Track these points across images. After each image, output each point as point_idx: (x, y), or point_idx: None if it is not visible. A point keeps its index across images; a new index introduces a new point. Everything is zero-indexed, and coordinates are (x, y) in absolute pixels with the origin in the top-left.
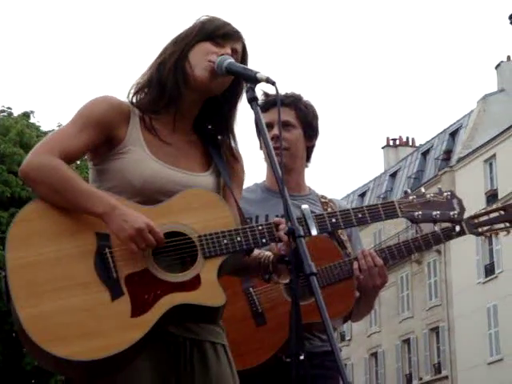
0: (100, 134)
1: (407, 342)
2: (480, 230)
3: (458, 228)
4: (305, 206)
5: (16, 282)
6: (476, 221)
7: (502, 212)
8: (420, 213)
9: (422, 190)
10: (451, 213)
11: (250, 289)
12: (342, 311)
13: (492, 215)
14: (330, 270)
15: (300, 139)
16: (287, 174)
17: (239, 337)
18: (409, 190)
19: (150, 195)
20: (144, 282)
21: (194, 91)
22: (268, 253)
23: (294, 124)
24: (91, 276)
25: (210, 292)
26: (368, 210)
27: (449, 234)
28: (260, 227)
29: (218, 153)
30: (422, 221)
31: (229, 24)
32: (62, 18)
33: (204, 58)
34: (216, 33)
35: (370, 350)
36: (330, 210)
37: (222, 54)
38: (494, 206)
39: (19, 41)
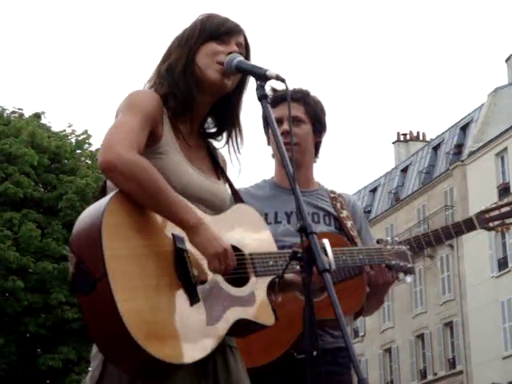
0: (152, 128)
1: (421, 337)
2: (491, 224)
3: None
4: (326, 241)
5: (114, 273)
6: (487, 215)
7: None
8: (397, 261)
9: (388, 238)
10: (408, 265)
11: None
12: (353, 307)
13: (503, 209)
14: (342, 267)
15: (309, 134)
16: (297, 170)
17: (251, 336)
18: (386, 239)
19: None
20: (213, 291)
21: (207, 93)
22: None
23: (304, 119)
24: (174, 278)
25: (265, 311)
26: (366, 253)
27: (459, 230)
28: (299, 255)
29: (217, 157)
30: (395, 269)
31: (228, 19)
32: (72, 19)
33: (212, 60)
34: (218, 31)
35: (383, 345)
36: (339, 204)
37: (230, 52)
38: (505, 201)
39: (29, 42)
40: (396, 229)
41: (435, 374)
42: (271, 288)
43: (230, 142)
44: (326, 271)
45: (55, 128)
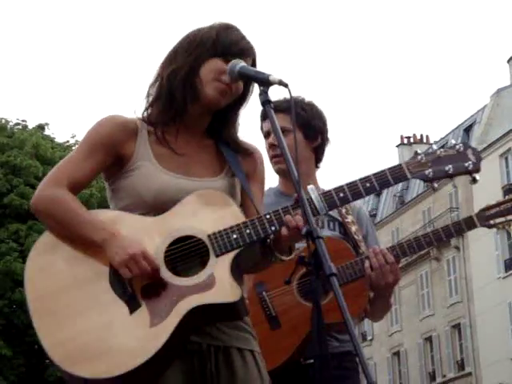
0: (108, 155)
1: (429, 339)
2: (492, 222)
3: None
4: (310, 186)
5: (37, 314)
6: (488, 213)
7: None
8: (431, 170)
9: (434, 146)
10: (466, 164)
11: (264, 293)
12: (355, 311)
13: (504, 206)
14: (343, 270)
15: (299, 142)
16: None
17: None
18: (419, 150)
19: (163, 207)
20: (159, 290)
21: (201, 106)
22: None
23: (290, 129)
24: (108, 294)
25: (225, 289)
26: (375, 178)
27: (460, 228)
28: (268, 216)
29: (231, 154)
30: (434, 178)
31: (244, 38)
32: (75, 30)
33: (215, 77)
34: (230, 50)
35: (392, 349)
36: (343, 210)
37: None
38: (506, 198)
39: (33, 54)
40: (402, 232)
41: (444, 376)
42: (266, 253)
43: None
44: (333, 275)
45: (59, 139)
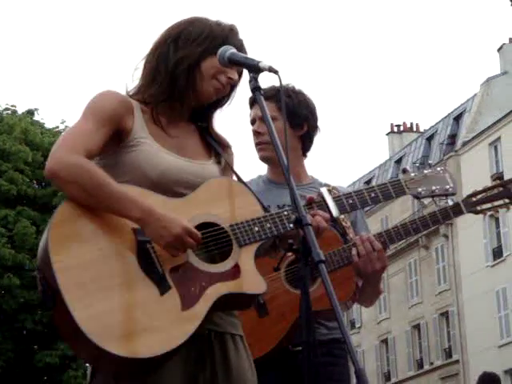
0: (113, 128)
1: (417, 327)
2: (479, 208)
3: (450, 202)
4: (323, 189)
5: (65, 285)
6: (474, 199)
7: (501, 188)
8: (423, 188)
9: (417, 164)
10: (447, 186)
11: None
12: (343, 298)
13: (490, 192)
14: (330, 257)
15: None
16: (277, 167)
17: (243, 330)
18: (407, 168)
19: (166, 187)
20: (187, 274)
21: (195, 98)
22: None
23: (276, 116)
24: (137, 272)
25: (252, 280)
26: (379, 190)
27: (446, 214)
28: (286, 212)
29: (212, 138)
30: (424, 196)
31: (242, 45)
32: (64, 15)
33: (214, 75)
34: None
35: (380, 336)
36: None
37: (230, 78)
38: (492, 183)
39: (22, 39)
40: (391, 220)
41: (431, 364)
42: (273, 250)
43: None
44: (322, 262)
45: (48, 124)
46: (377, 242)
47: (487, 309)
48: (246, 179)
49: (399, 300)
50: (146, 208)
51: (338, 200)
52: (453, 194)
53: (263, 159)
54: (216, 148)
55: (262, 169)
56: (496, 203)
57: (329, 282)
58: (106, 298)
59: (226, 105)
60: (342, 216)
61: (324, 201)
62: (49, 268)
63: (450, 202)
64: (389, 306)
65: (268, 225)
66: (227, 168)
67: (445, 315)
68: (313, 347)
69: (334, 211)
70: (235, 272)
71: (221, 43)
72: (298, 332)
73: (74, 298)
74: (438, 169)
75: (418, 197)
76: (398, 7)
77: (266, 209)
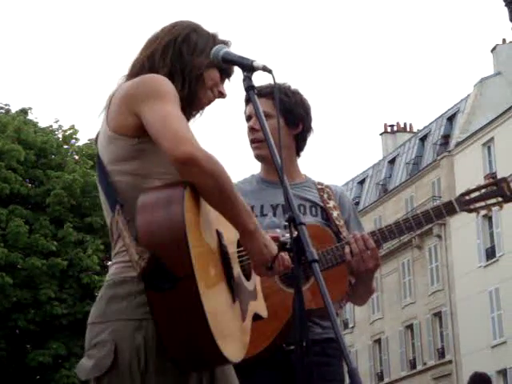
0: None
1: (410, 327)
2: (472, 206)
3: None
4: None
5: (199, 271)
6: (467, 197)
7: (494, 187)
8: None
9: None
10: None
11: None
12: (336, 296)
13: (483, 191)
14: (323, 256)
15: (280, 128)
16: (271, 165)
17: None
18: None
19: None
20: (239, 286)
21: (190, 102)
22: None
23: (272, 114)
24: (223, 275)
25: (263, 303)
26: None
27: (440, 213)
28: (288, 245)
29: None
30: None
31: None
32: (58, 14)
33: (210, 87)
34: (228, 70)
35: (373, 336)
36: (326, 195)
37: (221, 93)
38: (486, 182)
39: (16, 38)
40: (385, 220)
41: (425, 364)
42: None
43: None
44: (315, 261)
45: (42, 123)
46: (370, 240)
47: (480, 309)
48: (239, 178)
49: (392, 300)
50: (256, 223)
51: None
52: None
53: (258, 157)
54: None
55: (255, 168)
56: (489, 202)
57: (322, 282)
58: (214, 295)
59: (198, 116)
60: (336, 214)
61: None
62: (181, 251)
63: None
64: (382, 306)
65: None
66: None
67: (438, 315)
68: (306, 347)
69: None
70: (255, 293)
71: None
72: (292, 331)
73: (203, 287)
74: None
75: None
76: (392, 8)
77: None
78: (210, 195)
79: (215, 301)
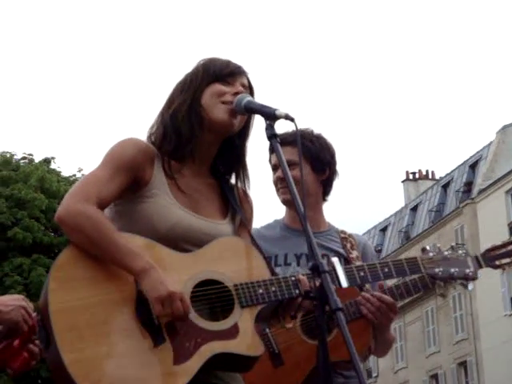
0: (130, 177)
1: (435, 377)
2: (498, 262)
3: (471, 286)
4: (335, 259)
5: (58, 326)
6: (493, 253)
7: None
8: (441, 269)
9: (438, 245)
10: (467, 270)
11: (267, 330)
12: (359, 349)
13: (510, 247)
14: (346, 308)
15: (307, 175)
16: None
17: (258, 380)
18: (427, 247)
19: (173, 242)
20: (184, 329)
21: (211, 132)
22: None
23: (297, 162)
24: (133, 322)
25: (249, 341)
26: (393, 265)
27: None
28: (293, 278)
29: (232, 195)
30: (441, 278)
31: (230, 61)
32: (79, 63)
33: (218, 100)
34: (222, 72)
35: None
36: (349, 245)
37: (236, 92)
38: (511, 239)
39: (39, 88)
40: None
41: None
42: (275, 315)
43: (239, 183)
44: (339, 310)
45: (65, 173)
46: (386, 296)
47: (506, 359)
48: (262, 223)
49: (416, 349)
50: (149, 262)
51: (349, 271)
52: (473, 279)
53: (285, 202)
54: (234, 205)
55: (278, 212)
56: None
57: (346, 330)
58: (98, 344)
59: (247, 138)
60: (355, 255)
61: (334, 270)
62: (45, 309)
63: (470, 287)
64: (406, 355)
65: (273, 288)
66: (242, 226)
67: (463, 365)
68: None
69: (344, 282)
70: (233, 332)
71: (203, 74)
72: (315, 381)
73: (65, 340)
74: (460, 252)
75: (434, 277)
76: (413, 55)
77: (273, 272)
78: (85, 248)
79: (93, 350)
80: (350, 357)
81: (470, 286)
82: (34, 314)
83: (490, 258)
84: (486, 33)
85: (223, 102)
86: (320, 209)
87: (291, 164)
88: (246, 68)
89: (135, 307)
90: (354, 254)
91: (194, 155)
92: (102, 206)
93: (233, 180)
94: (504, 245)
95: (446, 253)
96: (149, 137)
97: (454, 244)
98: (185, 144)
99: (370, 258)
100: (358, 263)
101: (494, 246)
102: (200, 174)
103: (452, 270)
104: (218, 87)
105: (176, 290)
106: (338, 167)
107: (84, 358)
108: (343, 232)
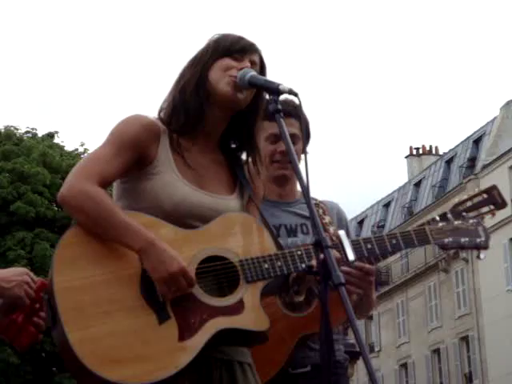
0: (134, 154)
1: (437, 351)
2: (465, 215)
3: (482, 255)
4: (341, 232)
5: (63, 305)
6: (461, 208)
7: (485, 195)
8: (450, 239)
9: (448, 215)
10: (478, 240)
11: None
12: (342, 318)
13: (476, 200)
14: None
15: (301, 151)
16: (285, 184)
17: (254, 344)
18: (437, 217)
19: (179, 218)
20: (189, 305)
21: (218, 108)
22: None
23: (299, 136)
24: (138, 299)
25: (254, 316)
26: (401, 236)
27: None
28: (299, 252)
29: (241, 171)
30: (451, 248)
31: (243, 38)
32: (85, 41)
33: (225, 74)
34: (232, 48)
35: (399, 360)
36: (321, 210)
37: (242, 68)
38: (477, 191)
39: (43, 62)
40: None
41: None
42: (285, 288)
43: (250, 159)
44: (342, 285)
45: (68, 147)
46: (366, 265)
47: (508, 333)
48: None
49: (419, 324)
50: (150, 239)
51: (355, 244)
52: (485, 248)
53: (281, 177)
54: (242, 181)
55: None
56: (482, 210)
57: (349, 304)
58: (103, 322)
59: (259, 114)
60: (332, 231)
61: (341, 244)
62: (51, 288)
63: (482, 256)
64: (408, 330)
65: (279, 263)
66: (251, 202)
67: (465, 340)
68: (333, 367)
69: (351, 255)
70: (239, 307)
71: (213, 50)
72: (320, 351)
73: (70, 319)
74: (471, 221)
75: (443, 247)
76: (417, 33)
77: (280, 247)
78: (88, 227)
79: (98, 328)
80: (353, 330)
81: (482, 255)
82: (37, 281)
83: (459, 211)
84: (491, 9)
85: (229, 76)
86: (294, 178)
87: (294, 138)
88: (257, 45)
89: (139, 285)
90: (327, 219)
91: (202, 131)
92: (104, 185)
93: (244, 156)
94: (470, 197)
95: (456, 222)
96: (159, 112)
97: (465, 214)
98: (193, 119)
99: (344, 223)
100: (332, 227)
101: (461, 200)
102: (208, 149)
103: (462, 239)
104: (225, 61)
105: (175, 269)
106: (343, 144)
107: (89, 337)
108: (313, 199)
